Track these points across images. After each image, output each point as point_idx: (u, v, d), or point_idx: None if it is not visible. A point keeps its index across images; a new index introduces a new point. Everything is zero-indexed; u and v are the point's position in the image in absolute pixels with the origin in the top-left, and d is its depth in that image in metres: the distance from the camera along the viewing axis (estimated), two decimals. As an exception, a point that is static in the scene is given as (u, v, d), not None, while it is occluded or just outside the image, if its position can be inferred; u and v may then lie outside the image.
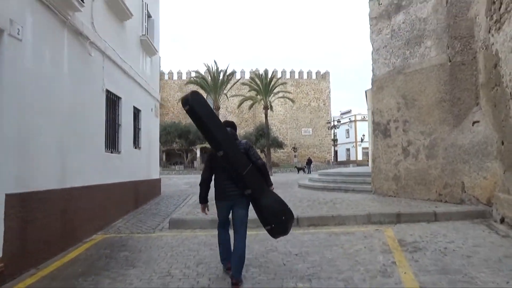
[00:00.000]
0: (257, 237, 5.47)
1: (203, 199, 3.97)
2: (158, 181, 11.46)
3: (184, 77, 47.85)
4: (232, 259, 3.68)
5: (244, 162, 3.67)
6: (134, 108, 9.01)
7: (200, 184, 3.95)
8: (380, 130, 9.42)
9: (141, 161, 9.52)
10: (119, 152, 7.80)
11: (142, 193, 9.34)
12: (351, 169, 14.89)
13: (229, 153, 3.64)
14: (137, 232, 6.43)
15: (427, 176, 8.10)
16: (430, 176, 8.03)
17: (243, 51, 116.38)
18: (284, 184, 16.91)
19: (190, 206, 8.67)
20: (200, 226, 6.53)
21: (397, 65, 8.93)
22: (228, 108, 49.59)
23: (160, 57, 12.00)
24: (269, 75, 30.23)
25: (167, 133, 41.41)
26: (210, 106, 3.80)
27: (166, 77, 50.64)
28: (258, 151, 43.84)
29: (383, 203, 8.02)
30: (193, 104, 3.54)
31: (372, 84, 9.73)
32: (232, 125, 4.02)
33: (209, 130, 3.62)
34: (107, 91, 7.00)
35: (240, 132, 46.61)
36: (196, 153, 42.58)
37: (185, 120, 45.46)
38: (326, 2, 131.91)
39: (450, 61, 7.77)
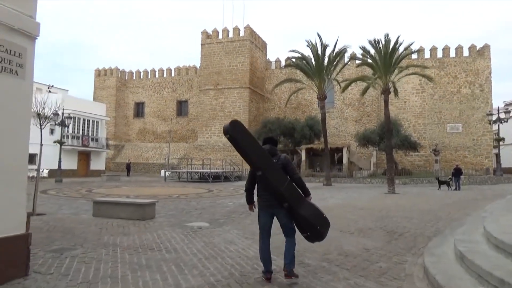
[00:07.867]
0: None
1: (250, 201, 4.71)
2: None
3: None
4: (285, 256, 4.38)
5: (281, 179, 4.26)
6: None
7: (245, 191, 4.65)
8: None
9: None
10: None
11: None
12: None
13: (267, 173, 4.26)
14: None
15: None
16: None
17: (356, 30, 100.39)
18: (398, 233, 8.02)
19: None
20: None
21: None
22: (345, 100, 40.24)
23: None
24: (392, 44, 20.03)
25: (269, 130, 34.85)
26: (248, 131, 4.40)
27: (273, 65, 44.06)
28: (383, 154, 33.26)
29: None
30: (232, 133, 4.18)
31: None
32: (272, 140, 4.61)
33: (247, 154, 4.29)
34: None
35: (360, 129, 36.95)
36: (301, 156, 34.71)
37: (291, 115, 38.37)
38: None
39: None
